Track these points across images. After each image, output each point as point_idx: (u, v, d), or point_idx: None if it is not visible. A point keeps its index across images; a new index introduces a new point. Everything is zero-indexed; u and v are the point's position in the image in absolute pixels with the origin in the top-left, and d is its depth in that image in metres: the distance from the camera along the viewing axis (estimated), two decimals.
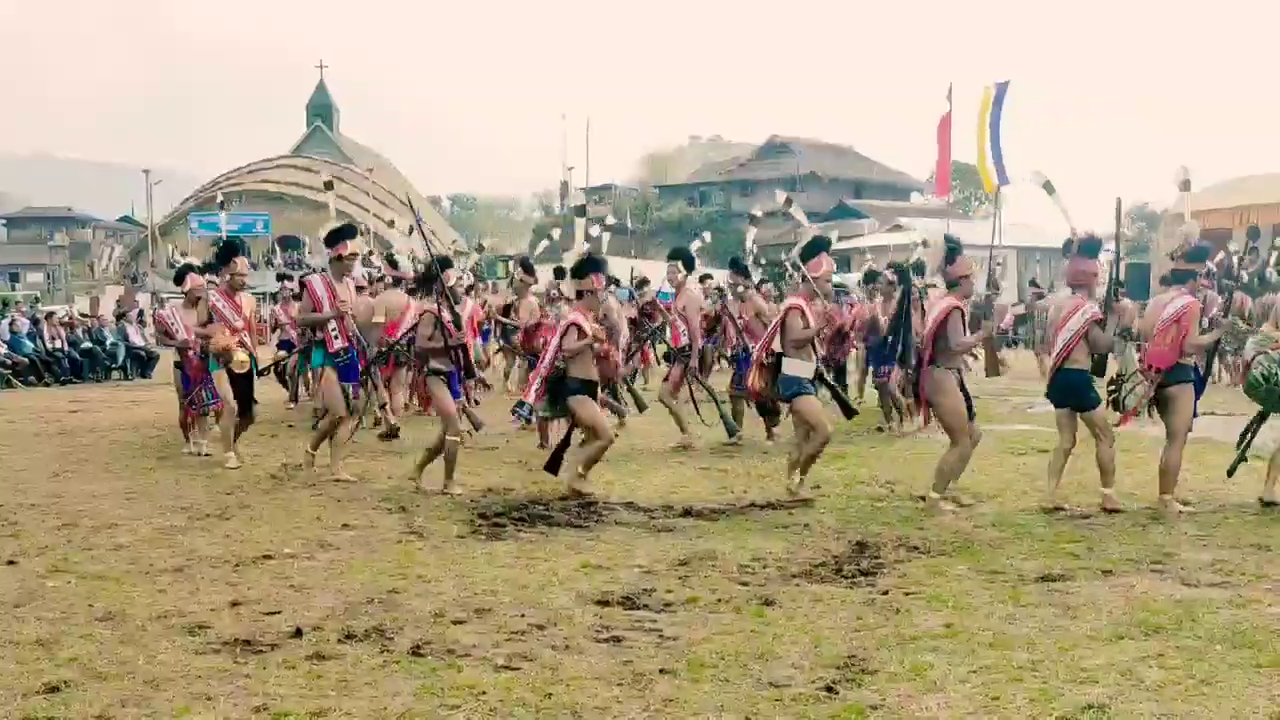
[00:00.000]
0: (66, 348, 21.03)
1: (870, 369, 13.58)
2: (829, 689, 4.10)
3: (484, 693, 4.09)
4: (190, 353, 10.28)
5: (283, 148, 68.59)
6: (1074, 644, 4.59)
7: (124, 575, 5.84)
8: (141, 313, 24.99)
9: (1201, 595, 5.32)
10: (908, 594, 5.40)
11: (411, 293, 12.22)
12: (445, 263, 8.78)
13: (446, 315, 8.27)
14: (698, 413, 11.09)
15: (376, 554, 6.32)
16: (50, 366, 20.32)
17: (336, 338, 8.80)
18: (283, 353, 14.24)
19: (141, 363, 22.09)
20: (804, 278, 8.28)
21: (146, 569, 5.97)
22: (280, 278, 17.80)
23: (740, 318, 11.43)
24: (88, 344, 21.56)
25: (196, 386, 10.22)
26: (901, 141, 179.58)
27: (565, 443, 8.21)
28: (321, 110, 68.39)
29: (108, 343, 22.10)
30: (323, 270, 9.48)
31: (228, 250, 9.99)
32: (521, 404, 8.33)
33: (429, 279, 8.83)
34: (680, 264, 11.70)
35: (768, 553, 6.29)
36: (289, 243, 51.11)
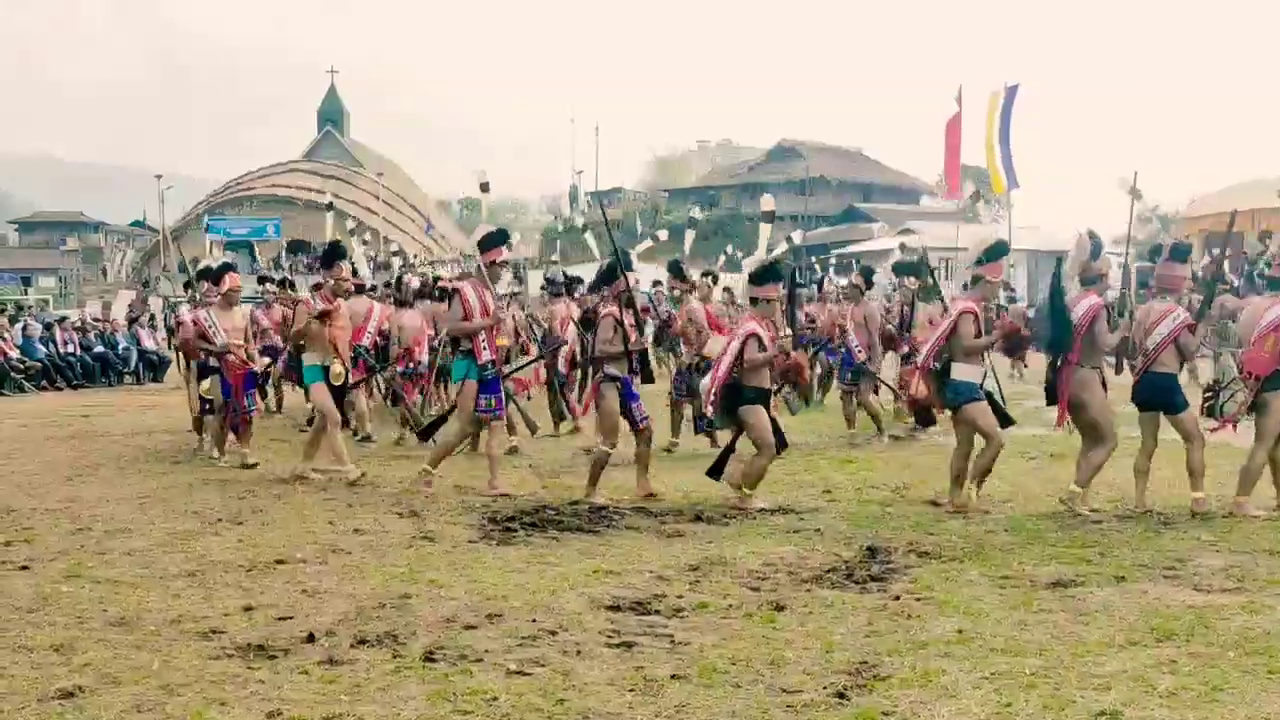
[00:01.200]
0: (79, 352, 21.13)
1: (836, 373, 13.17)
2: (840, 695, 4.11)
3: (496, 698, 4.11)
4: (231, 358, 9.87)
5: (294, 152, 68.84)
6: (1086, 650, 4.59)
7: (138, 580, 5.87)
8: (153, 317, 25.06)
9: (1214, 601, 5.31)
10: (919, 599, 5.40)
11: (403, 302, 12.26)
12: (627, 264, 8.46)
13: (628, 319, 8.09)
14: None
15: (388, 559, 6.34)
16: (62, 371, 20.42)
17: (485, 349, 8.30)
18: (267, 359, 14.11)
19: (153, 367, 22.18)
20: (974, 278, 7.92)
21: (160, 574, 6.00)
22: (261, 280, 17.49)
23: (675, 322, 11.27)
24: (100, 348, 21.65)
25: (237, 394, 9.87)
26: (910, 145, 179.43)
27: (730, 448, 8.04)
28: (332, 115, 68.64)
29: (120, 347, 22.19)
30: (471, 276, 8.83)
31: (332, 253, 9.51)
32: (702, 417, 8.11)
33: (609, 280, 8.50)
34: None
35: (779, 558, 6.29)
36: (298, 247, 51.21)
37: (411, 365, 11.79)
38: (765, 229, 10.01)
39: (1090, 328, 7.42)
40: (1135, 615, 5.08)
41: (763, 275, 8.11)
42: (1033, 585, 5.63)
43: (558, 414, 11.81)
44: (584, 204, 72.66)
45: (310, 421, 12.61)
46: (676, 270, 11.72)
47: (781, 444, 7.89)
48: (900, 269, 12.98)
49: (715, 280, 13.29)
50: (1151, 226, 50.96)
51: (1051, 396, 7.72)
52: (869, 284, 12.34)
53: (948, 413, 8.10)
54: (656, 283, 11.97)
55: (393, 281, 14.78)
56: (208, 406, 10.29)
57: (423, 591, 5.60)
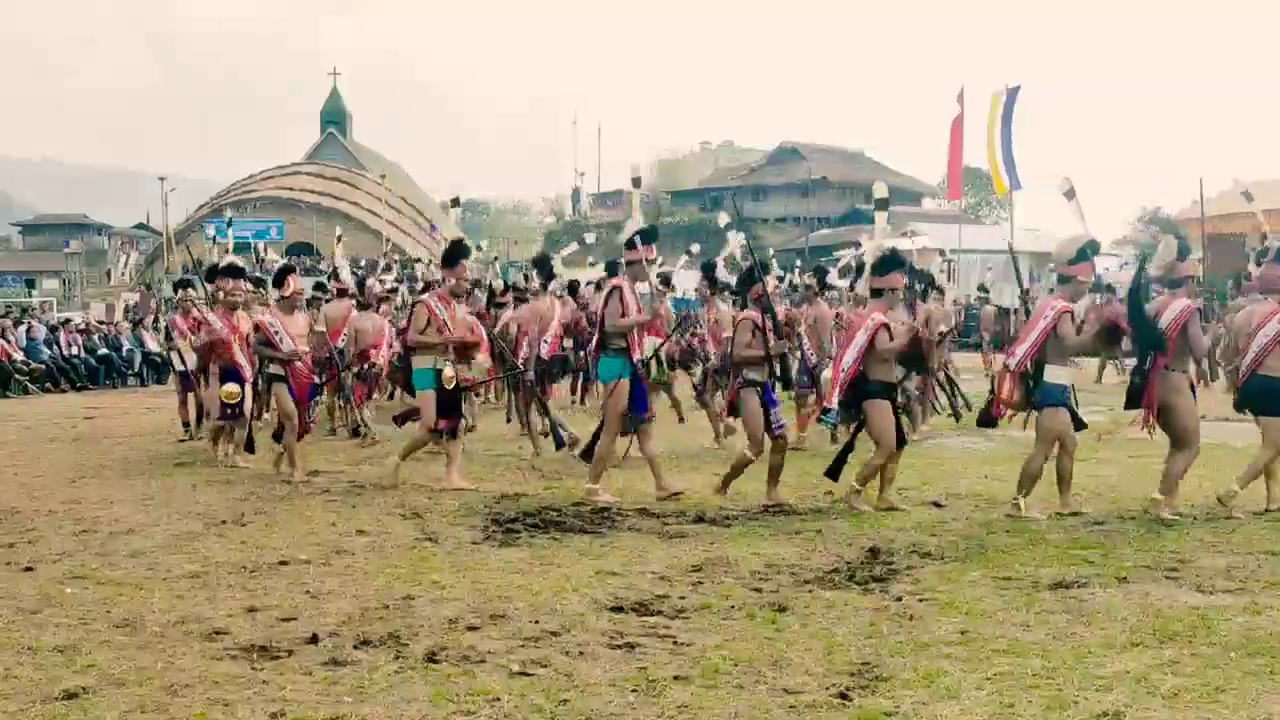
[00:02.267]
0: (83, 354, 21.17)
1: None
2: (843, 696, 4.11)
3: (498, 699, 4.11)
4: (299, 365, 9.35)
5: (296, 154, 68.84)
6: (1088, 651, 4.59)
7: (142, 581, 5.88)
8: (157, 319, 25.11)
9: (1216, 602, 5.31)
10: (921, 600, 5.41)
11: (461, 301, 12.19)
12: (765, 268, 8.22)
13: (768, 323, 7.90)
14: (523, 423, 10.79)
15: (391, 560, 6.35)
16: (66, 373, 20.46)
17: (638, 347, 8.17)
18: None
19: (157, 369, 22.20)
20: (1062, 278, 7.73)
21: (164, 575, 6.01)
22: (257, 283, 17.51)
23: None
24: (104, 350, 21.70)
25: (300, 405, 9.32)
26: (912, 147, 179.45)
27: (849, 447, 7.93)
28: (335, 116, 68.57)
29: (124, 349, 22.23)
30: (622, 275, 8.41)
31: (455, 252, 9.07)
32: (827, 410, 7.93)
33: (747, 284, 8.28)
34: (535, 272, 11.57)
35: (781, 559, 6.29)
36: (301, 250, 51.23)
37: (366, 366, 11.80)
38: (881, 217, 9.58)
39: (1184, 331, 7.34)
40: (1137, 616, 5.08)
41: (885, 264, 7.93)
42: (1035, 586, 5.63)
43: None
44: (586, 206, 72.66)
45: (359, 431, 11.93)
46: (613, 271, 11.62)
47: (900, 441, 7.78)
48: (848, 272, 12.81)
49: (668, 283, 13.07)
50: (1153, 229, 50.88)
51: (1133, 400, 7.61)
52: (823, 285, 12.06)
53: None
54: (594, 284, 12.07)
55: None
56: (230, 412, 9.82)
57: (425, 593, 5.61)
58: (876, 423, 7.68)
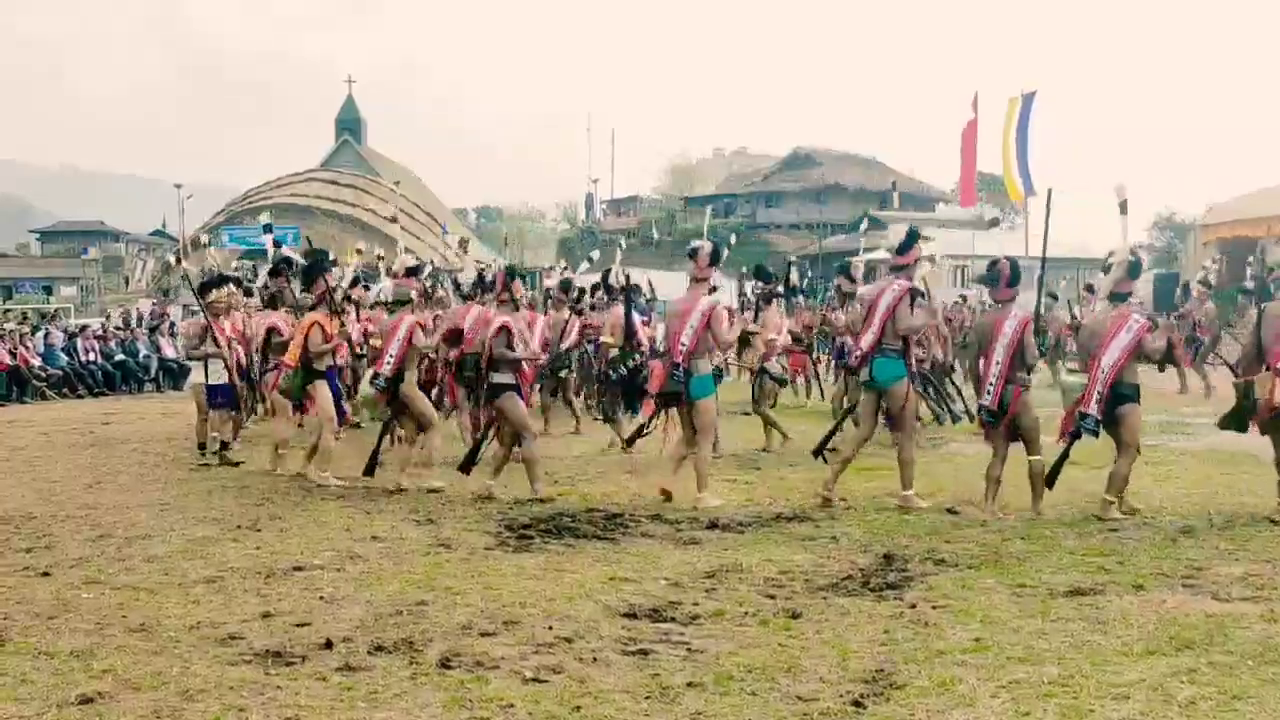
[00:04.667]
0: (100, 360, 21.30)
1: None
2: (856, 703, 4.10)
3: (512, 705, 4.12)
4: (527, 370, 8.86)
5: (311, 161, 69.16)
6: (1105, 659, 4.57)
7: (157, 586, 5.91)
8: (173, 325, 25.20)
9: (1233, 610, 5.28)
10: (936, 607, 5.39)
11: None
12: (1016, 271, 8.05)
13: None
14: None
15: (405, 566, 6.37)
16: (83, 379, 20.58)
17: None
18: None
19: (173, 375, 22.31)
20: None
21: (179, 580, 6.04)
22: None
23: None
24: (121, 356, 21.82)
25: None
26: (927, 152, 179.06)
27: (1065, 455, 7.75)
28: (350, 124, 68.90)
29: (140, 355, 22.35)
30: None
31: (716, 250, 8.73)
32: (1085, 416, 7.78)
33: (1012, 283, 7.97)
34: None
35: (794, 565, 6.28)
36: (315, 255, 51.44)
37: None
38: (1124, 221, 9.14)
39: None
40: (1154, 624, 5.05)
41: (1135, 270, 7.89)
42: (1050, 593, 5.61)
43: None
44: (600, 212, 72.67)
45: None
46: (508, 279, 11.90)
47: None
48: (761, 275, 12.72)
49: (567, 290, 12.90)
50: (1167, 234, 50.67)
51: None
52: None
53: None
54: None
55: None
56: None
57: (439, 598, 5.62)
58: (1133, 427, 7.50)
